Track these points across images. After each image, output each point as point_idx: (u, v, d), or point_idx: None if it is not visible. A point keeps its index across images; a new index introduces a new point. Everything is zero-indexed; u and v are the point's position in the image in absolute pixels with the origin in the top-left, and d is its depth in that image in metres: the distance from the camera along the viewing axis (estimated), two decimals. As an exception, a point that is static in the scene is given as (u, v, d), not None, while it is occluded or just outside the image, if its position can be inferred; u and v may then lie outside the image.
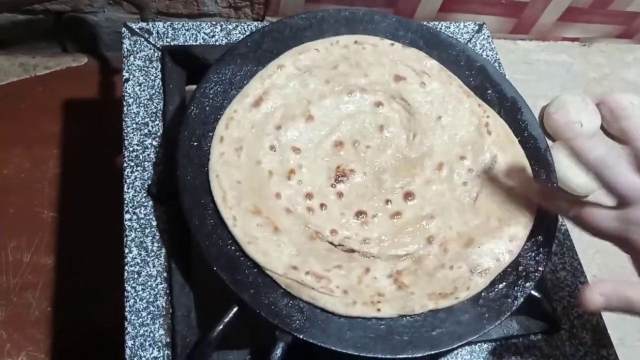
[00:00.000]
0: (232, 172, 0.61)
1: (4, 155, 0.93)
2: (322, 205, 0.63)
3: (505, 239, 0.63)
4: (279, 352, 0.55)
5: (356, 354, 0.55)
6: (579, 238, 0.89)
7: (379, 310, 0.57)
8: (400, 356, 0.56)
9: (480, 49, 0.85)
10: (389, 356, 0.56)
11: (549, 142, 0.98)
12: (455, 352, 0.62)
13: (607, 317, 0.70)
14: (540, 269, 0.63)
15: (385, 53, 0.72)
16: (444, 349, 0.57)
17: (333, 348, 0.55)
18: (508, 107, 0.72)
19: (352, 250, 0.61)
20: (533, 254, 0.63)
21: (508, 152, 0.69)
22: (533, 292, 0.62)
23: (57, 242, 0.88)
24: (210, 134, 0.64)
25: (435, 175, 0.67)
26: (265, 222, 0.59)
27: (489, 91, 0.73)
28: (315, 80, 0.68)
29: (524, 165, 0.68)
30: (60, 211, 0.90)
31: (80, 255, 0.87)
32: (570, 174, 0.91)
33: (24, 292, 0.84)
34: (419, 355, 0.57)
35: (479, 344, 0.63)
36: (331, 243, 0.61)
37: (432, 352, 0.57)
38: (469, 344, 0.62)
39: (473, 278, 0.60)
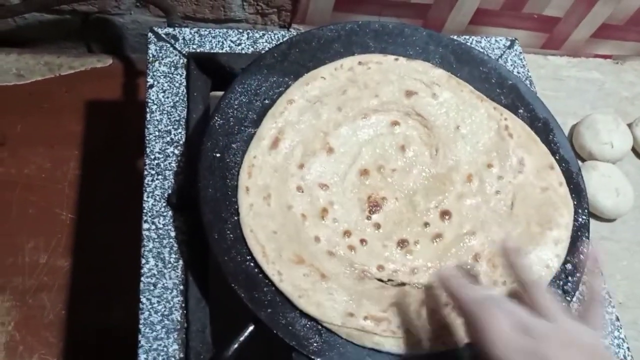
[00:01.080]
0: (266, 222, 0.59)
1: (25, 154, 0.93)
2: (362, 241, 0.61)
3: (550, 244, 0.62)
4: (295, 374, 0.54)
5: (375, 380, 0.54)
6: (606, 262, 0.87)
7: (444, 343, 0.56)
8: (421, 384, 0.55)
9: (512, 65, 0.82)
10: (408, 384, 0.54)
11: (579, 163, 0.96)
12: (477, 381, 0.60)
13: (632, 346, 0.68)
14: (568, 299, 0.60)
15: (391, 69, 0.70)
16: (467, 378, 0.55)
17: (351, 373, 0.54)
18: (540, 127, 0.70)
19: (403, 284, 0.60)
20: (561, 282, 0.61)
21: (533, 152, 0.67)
22: (560, 323, 0.60)
23: (74, 245, 0.87)
24: (233, 145, 0.63)
25: (466, 188, 0.65)
26: (311, 271, 0.58)
27: (520, 110, 0.71)
28: (327, 109, 0.66)
29: (552, 163, 0.67)
30: (79, 213, 0.90)
31: (97, 258, 0.86)
32: (600, 196, 0.88)
33: (39, 294, 0.83)
34: (440, 385, 0.55)
35: (501, 374, 0.61)
36: (380, 280, 0.60)
37: (454, 381, 0.55)
38: (491, 373, 0.60)
39: None
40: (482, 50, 0.79)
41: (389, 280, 0.60)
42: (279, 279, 0.57)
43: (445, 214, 0.64)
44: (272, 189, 0.61)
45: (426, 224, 0.63)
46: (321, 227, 0.61)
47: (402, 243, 0.62)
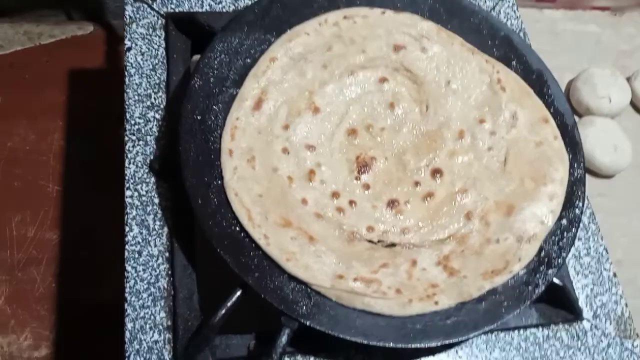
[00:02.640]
0: (251, 186, 0.57)
1: (8, 127, 0.91)
2: (351, 203, 0.59)
3: (544, 200, 0.60)
4: (284, 338, 0.52)
5: (366, 342, 0.53)
6: (604, 220, 0.85)
7: (436, 303, 0.54)
8: (413, 345, 0.53)
9: (505, 17, 0.79)
10: (400, 345, 0.53)
11: (576, 118, 0.93)
12: (471, 341, 0.59)
13: (632, 305, 0.66)
14: (563, 255, 0.59)
15: (378, 23, 0.67)
16: (459, 339, 0.54)
17: (341, 336, 0.52)
18: (533, 80, 0.67)
19: (394, 245, 0.58)
20: (556, 238, 0.60)
21: (526, 106, 0.65)
22: (555, 280, 0.58)
23: (62, 217, 0.86)
24: (214, 107, 0.60)
25: (457, 145, 0.63)
26: (299, 234, 0.56)
27: (513, 62, 0.68)
28: (312, 67, 0.64)
29: (546, 116, 0.65)
30: (65, 185, 0.88)
31: (86, 230, 0.85)
32: (597, 152, 0.86)
33: (29, 268, 0.82)
34: (433, 344, 0.54)
35: (496, 332, 0.60)
36: (370, 241, 0.58)
37: (447, 342, 0.54)
38: (485, 332, 0.59)
39: (522, 247, 0.58)
40: (473, 1, 0.75)
41: (379, 241, 0.58)
42: (265, 242, 0.55)
43: (436, 172, 0.62)
44: (256, 152, 0.59)
45: (417, 183, 0.62)
46: (308, 190, 0.59)
47: (392, 203, 0.60)
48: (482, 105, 0.65)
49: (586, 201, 0.68)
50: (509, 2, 0.81)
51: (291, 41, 0.64)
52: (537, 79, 0.67)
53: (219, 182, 0.57)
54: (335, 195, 0.60)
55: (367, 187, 0.61)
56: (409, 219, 0.60)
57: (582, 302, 0.64)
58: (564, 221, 0.60)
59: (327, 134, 0.63)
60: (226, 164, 0.58)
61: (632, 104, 0.96)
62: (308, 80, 0.64)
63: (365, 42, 0.66)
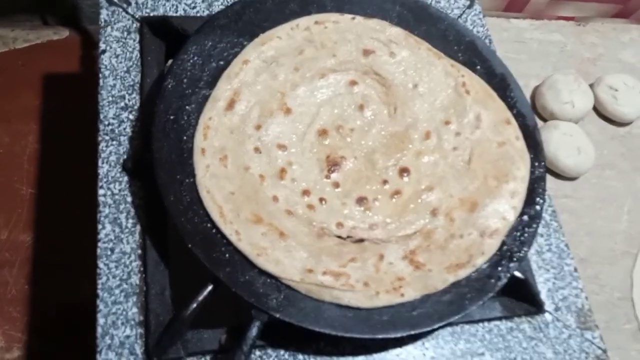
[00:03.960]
0: (223, 184, 0.59)
1: (-18, 130, 0.91)
2: (321, 200, 0.61)
3: (506, 197, 0.62)
4: (254, 331, 0.54)
5: (333, 333, 0.54)
6: (568, 220, 0.88)
7: (402, 295, 0.56)
8: (379, 336, 0.55)
9: (471, 25, 0.82)
10: (367, 336, 0.55)
11: (540, 122, 0.97)
12: (437, 333, 0.61)
13: (593, 300, 0.69)
14: (524, 249, 0.61)
15: (348, 29, 0.69)
16: (424, 329, 0.56)
17: (310, 327, 0.54)
18: (497, 83, 0.70)
19: (362, 240, 0.60)
20: (518, 234, 0.62)
21: (490, 108, 0.67)
22: (517, 273, 0.61)
23: (35, 219, 0.86)
24: (187, 107, 0.62)
25: (424, 145, 0.66)
26: (269, 230, 0.57)
27: (478, 67, 0.71)
28: (284, 70, 0.66)
29: (509, 118, 0.67)
30: (39, 187, 0.88)
31: (59, 232, 0.85)
32: (561, 154, 0.89)
33: (1, 270, 0.82)
34: (399, 335, 0.55)
35: (461, 325, 0.62)
36: (340, 237, 0.60)
37: (412, 333, 0.56)
38: (450, 324, 0.61)
39: (485, 241, 0.60)
40: (440, 9, 0.78)
41: (348, 236, 0.60)
42: (237, 238, 0.56)
43: (403, 170, 0.64)
44: (228, 150, 0.61)
45: (385, 182, 0.64)
46: (280, 187, 0.61)
47: (361, 200, 0.62)
48: (448, 107, 0.68)
49: (548, 200, 0.71)
50: (475, 10, 0.84)
51: (264, 44, 0.66)
52: (500, 82, 0.70)
53: (191, 179, 0.59)
54: (305, 193, 0.61)
55: (336, 185, 0.63)
56: (377, 216, 0.61)
57: (544, 296, 0.66)
58: (526, 217, 0.63)
59: (299, 134, 0.64)
60: (199, 162, 0.59)
61: (595, 109, 0.99)
62: (280, 82, 0.65)
63: (335, 47, 0.68)
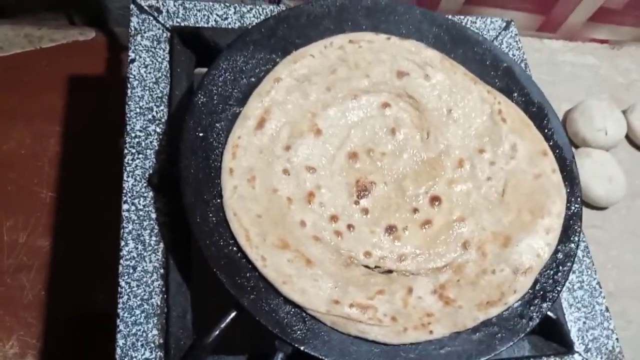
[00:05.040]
0: (250, 206, 0.57)
1: (4, 129, 0.90)
2: (349, 227, 0.59)
3: (541, 233, 0.60)
4: (277, 362, 0.52)
5: (359, 369, 0.52)
6: (596, 251, 0.86)
7: (431, 332, 0.54)
8: (406, 374, 0.53)
9: (507, 47, 0.80)
10: (393, 374, 0.53)
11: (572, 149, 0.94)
12: (463, 370, 0.59)
13: (620, 336, 0.67)
14: (558, 289, 0.59)
15: (383, 49, 0.67)
16: (452, 369, 0.54)
17: (335, 362, 0.52)
18: (534, 112, 0.68)
19: (390, 271, 0.58)
20: (552, 272, 0.60)
21: (526, 138, 0.65)
22: (549, 313, 0.59)
23: (54, 224, 0.85)
24: (217, 124, 0.60)
25: (457, 173, 0.64)
26: (296, 257, 0.56)
27: (515, 94, 0.69)
28: (316, 89, 0.64)
29: (545, 149, 0.65)
30: (59, 191, 0.87)
31: (78, 238, 0.84)
32: (592, 184, 0.87)
33: (18, 274, 0.81)
34: (425, 374, 0.54)
35: (488, 363, 0.60)
36: (367, 267, 0.58)
37: (439, 372, 0.54)
38: (477, 363, 0.59)
39: (517, 279, 0.58)
40: (477, 30, 0.76)
41: (376, 267, 0.58)
42: (262, 264, 0.55)
43: (435, 199, 0.62)
44: (257, 171, 0.59)
45: (415, 210, 0.62)
46: (307, 212, 0.59)
47: (391, 229, 0.60)
48: (483, 135, 0.66)
49: (582, 235, 0.69)
50: (511, 32, 0.81)
51: (296, 62, 0.65)
52: (537, 111, 0.68)
53: (218, 200, 0.57)
54: (333, 218, 0.60)
55: (365, 211, 0.61)
56: (407, 246, 0.60)
57: (574, 335, 0.64)
58: (560, 255, 0.61)
59: (328, 157, 0.63)
60: (226, 182, 0.58)
61: (627, 137, 0.97)
62: (311, 102, 0.64)
63: (369, 67, 0.66)
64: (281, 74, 0.64)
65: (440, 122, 0.66)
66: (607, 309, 0.66)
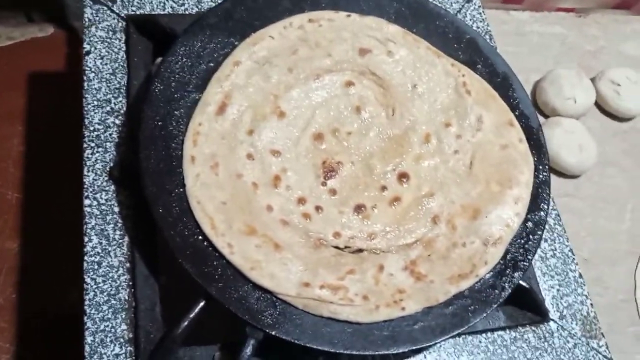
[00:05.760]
0: (214, 193, 0.56)
1: (-36, 132, 0.88)
2: (317, 209, 0.59)
3: (510, 203, 0.60)
4: (249, 349, 0.51)
5: (333, 350, 0.52)
6: (570, 220, 0.86)
7: (403, 309, 0.54)
8: (380, 352, 0.53)
9: (470, 19, 0.79)
10: (368, 353, 0.53)
11: (541, 119, 0.94)
12: (439, 345, 0.59)
13: (596, 303, 0.67)
14: (529, 257, 0.59)
15: (344, 27, 0.66)
16: (426, 344, 0.54)
17: (308, 345, 0.52)
18: (499, 82, 0.68)
19: (360, 250, 0.57)
20: (522, 241, 0.60)
21: (492, 109, 0.65)
22: (521, 282, 0.59)
23: (21, 225, 0.83)
24: (176, 112, 0.59)
25: (424, 149, 0.63)
26: (264, 241, 0.55)
27: (479, 66, 0.68)
28: (277, 71, 0.63)
29: (511, 120, 0.65)
30: (25, 192, 0.85)
31: (46, 238, 0.83)
32: (563, 153, 0.87)
33: (-13, 278, 0.79)
34: (400, 351, 0.53)
35: (463, 336, 0.60)
36: (337, 247, 0.57)
37: (414, 348, 0.54)
38: (452, 337, 0.59)
39: (488, 250, 0.58)
40: (438, 4, 0.75)
41: (345, 247, 0.58)
42: (229, 251, 0.54)
43: (403, 176, 0.62)
44: (219, 157, 0.58)
45: (384, 188, 0.61)
46: (274, 196, 0.58)
47: (359, 208, 0.60)
48: (448, 108, 0.65)
49: (552, 203, 0.69)
50: (474, 4, 0.81)
51: (255, 45, 0.63)
52: (502, 82, 0.68)
53: (181, 189, 0.56)
54: (301, 201, 0.59)
55: (333, 192, 0.60)
56: (376, 224, 0.59)
57: (548, 304, 0.64)
58: (530, 224, 0.61)
59: (293, 139, 0.62)
60: (188, 170, 0.57)
61: (597, 104, 0.97)
62: (273, 84, 0.63)
63: (330, 46, 0.65)
64: (240, 57, 0.62)
65: (405, 97, 0.65)
66: (580, 275, 0.66)
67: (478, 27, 0.79)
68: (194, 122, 0.59)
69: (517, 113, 0.66)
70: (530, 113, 0.66)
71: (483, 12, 0.81)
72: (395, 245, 0.58)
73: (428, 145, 0.63)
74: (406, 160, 0.63)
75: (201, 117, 0.59)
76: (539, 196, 0.62)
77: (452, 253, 0.58)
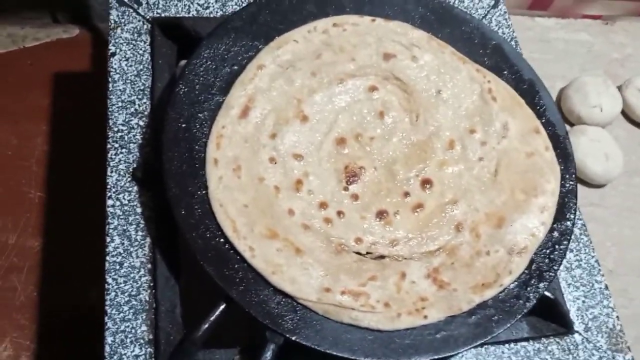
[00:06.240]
0: (236, 196, 0.56)
1: (-10, 130, 0.89)
2: (339, 214, 0.58)
3: (535, 212, 0.59)
4: (269, 354, 0.51)
5: (353, 358, 0.51)
6: (595, 230, 0.84)
7: (425, 317, 0.53)
8: (401, 361, 0.52)
9: (496, 25, 0.78)
10: (388, 361, 0.52)
11: (567, 127, 0.93)
12: (460, 355, 0.58)
13: (622, 314, 0.66)
14: (555, 268, 0.58)
15: (368, 31, 0.66)
16: (449, 354, 0.53)
17: (328, 351, 0.51)
18: (525, 89, 0.67)
19: (382, 257, 0.57)
20: (548, 251, 0.59)
21: (518, 116, 0.64)
22: (546, 293, 0.57)
23: (44, 224, 0.84)
24: (200, 114, 0.59)
25: (448, 155, 0.62)
26: (285, 246, 0.55)
27: (505, 72, 0.67)
28: (301, 75, 0.62)
29: (537, 127, 0.64)
30: (48, 191, 0.86)
31: (68, 237, 0.83)
32: (589, 161, 0.86)
33: (9, 276, 0.80)
34: (421, 360, 0.52)
35: (486, 346, 0.59)
36: (359, 253, 0.57)
37: (436, 357, 0.53)
38: (475, 347, 0.58)
39: (513, 259, 0.57)
40: (464, 9, 0.75)
41: (367, 253, 0.57)
42: (250, 254, 0.54)
43: (426, 182, 0.61)
44: (242, 161, 0.58)
45: (406, 194, 0.60)
46: (295, 200, 0.58)
47: (381, 214, 0.59)
48: (473, 115, 0.64)
49: (577, 213, 0.68)
50: (500, 10, 0.80)
51: (279, 48, 0.63)
52: (528, 88, 0.67)
53: (204, 192, 0.56)
54: (323, 205, 0.58)
55: (355, 197, 0.60)
56: (398, 231, 0.58)
57: (573, 315, 0.63)
58: (556, 233, 0.59)
59: (316, 143, 0.61)
60: (211, 173, 0.57)
61: (623, 112, 0.95)
62: (296, 88, 0.62)
63: (355, 50, 0.65)
64: (264, 61, 0.62)
65: (429, 103, 0.65)
66: (606, 287, 0.65)
67: (504, 33, 0.78)
68: (217, 125, 0.59)
69: (543, 120, 0.65)
70: (556, 120, 0.65)
71: (509, 17, 0.80)
72: (418, 252, 0.57)
73: (452, 152, 0.63)
74: (430, 166, 0.62)
75: (224, 120, 0.59)
76: (565, 205, 0.61)
77: (475, 262, 0.57)
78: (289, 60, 0.63)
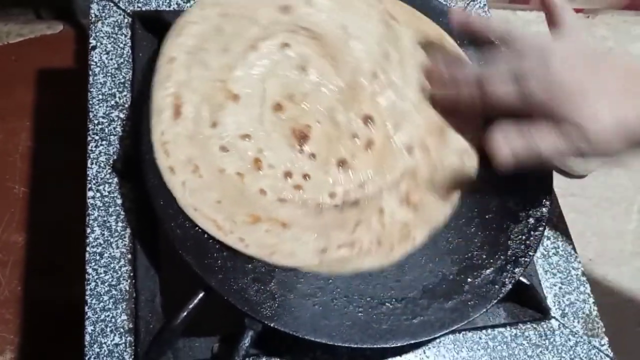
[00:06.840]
0: (206, 195, 0.55)
1: (-26, 127, 0.89)
2: (305, 177, 0.58)
3: None
4: (247, 340, 0.52)
5: (330, 343, 0.52)
6: (576, 220, 0.86)
7: (414, 239, 0.57)
8: (378, 346, 0.53)
9: (476, 18, 0.79)
10: (366, 346, 0.53)
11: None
12: (438, 341, 0.59)
13: (602, 303, 0.67)
14: (530, 254, 0.59)
15: None
16: (426, 338, 0.54)
17: (306, 337, 0.52)
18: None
19: (357, 201, 0.58)
20: (523, 237, 0.59)
21: (422, 29, 0.66)
22: (522, 279, 0.58)
23: (28, 219, 0.84)
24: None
25: (375, 85, 0.63)
26: (271, 225, 0.55)
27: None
28: (214, 55, 0.60)
29: (442, 34, 0.67)
30: (32, 186, 0.86)
31: (53, 232, 0.83)
32: (568, 152, 0.87)
33: (-6, 271, 0.80)
34: (398, 345, 0.53)
35: (463, 332, 0.60)
36: (336, 206, 0.58)
37: (413, 342, 0.53)
38: (452, 332, 0.59)
39: (465, 162, 0.61)
40: (443, 1, 0.75)
41: (343, 203, 0.58)
42: (243, 245, 0.54)
43: (367, 119, 0.62)
44: (196, 160, 0.56)
45: (354, 136, 0.61)
46: (261, 179, 0.57)
47: (341, 163, 0.59)
48: (381, 39, 0.65)
49: (555, 200, 0.68)
50: (480, 3, 0.81)
51: (180, 36, 0.61)
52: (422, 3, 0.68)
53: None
54: (287, 175, 0.58)
55: (313, 156, 0.59)
56: (361, 172, 0.60)
57: (550, 301, 0.64)
58: (531, 220, 0.60)
59: (256, 118, 0.60)
60: (173, 182, 0.55)
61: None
62: (215, 70, 0.60)
63: (253, 13, 0.63)
64: (172, 53, 0.60)
65: (340, 42, 0.64)
66: (583, 274, 0.66)
67: (483, 25, 0.78)
68: (156, 134, 0.56)
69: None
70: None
71: (488, 11, 0.81)
72: (385, 184, 0.59)
73: (377, 81, 0.63)
74: (364, 102, 0.62)
75: (160, 126, 0.57)
76: (541, 190, 0.62)
77: (436, 175, 0.60)
78: (196, 45, 0.61)
